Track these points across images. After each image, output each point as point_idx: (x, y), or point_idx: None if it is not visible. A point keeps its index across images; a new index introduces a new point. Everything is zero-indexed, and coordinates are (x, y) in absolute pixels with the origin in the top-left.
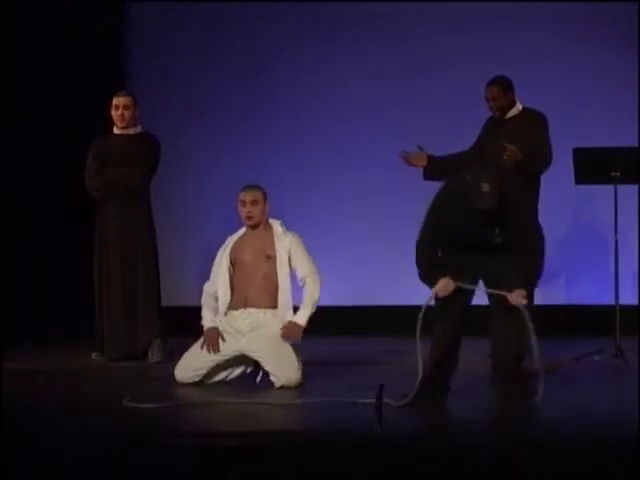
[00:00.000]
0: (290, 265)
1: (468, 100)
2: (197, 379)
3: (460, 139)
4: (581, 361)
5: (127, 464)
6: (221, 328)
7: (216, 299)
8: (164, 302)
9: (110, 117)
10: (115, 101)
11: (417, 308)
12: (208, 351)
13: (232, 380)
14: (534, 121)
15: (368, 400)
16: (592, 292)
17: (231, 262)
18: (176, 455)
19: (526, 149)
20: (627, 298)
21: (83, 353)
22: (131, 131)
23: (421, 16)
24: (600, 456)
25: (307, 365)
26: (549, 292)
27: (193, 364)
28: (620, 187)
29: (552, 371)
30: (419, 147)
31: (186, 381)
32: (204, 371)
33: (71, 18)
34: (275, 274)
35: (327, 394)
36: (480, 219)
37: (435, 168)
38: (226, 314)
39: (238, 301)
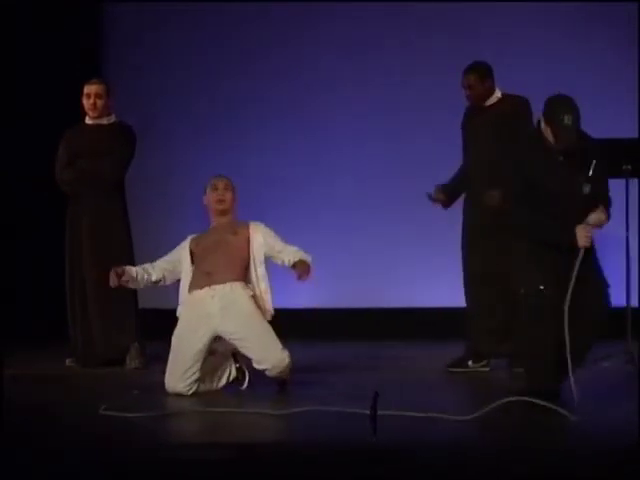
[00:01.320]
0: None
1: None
2: (193, 386)
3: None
4: (590, 367)
5: (102, 477)
6: (187, 311)
7: (153, 267)
8: (140, 304)
9: (82, 106)
10: (86, 89)
11: (404, 311)
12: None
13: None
14: (515, 107)
15: (362, 410)
16: None
17: (191, 250)
18: (156, 467)
19: (505, 140)
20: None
21: (56, 359)
22: (104, 121)
23: (421, 15)
24: (613, 469)
25: (293, 372)
26: None
27: (179, 369)
28: (632, 181)
29: None
30: (429, 196)
31: (180, 391)
32: (195, 376)
33: (48, 12)
34: (243, 247)
35: (318, 402)
36: (564, 165)
37: (451, 194)
38: (190, 293)
39: (201, 278)
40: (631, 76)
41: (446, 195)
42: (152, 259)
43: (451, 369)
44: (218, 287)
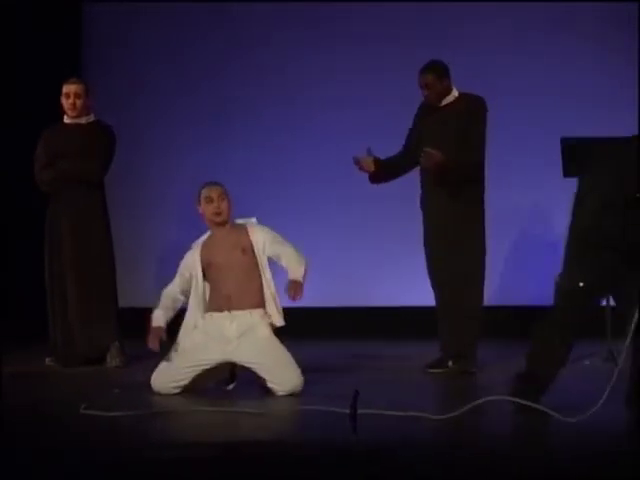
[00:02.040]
0: (268, 254)
1: None
2: (177, 391)
3: None
4: (570, 365)
5: (84, 476)
6: (203, 327)
7: (174, 301)
8: (120, 303)
9: (61, 106)
10: (65, 89)
11: (388, 310)
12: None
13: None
14: (470, 106)
15: (342, 409)
16: None
17: (202, 266)
18: (138, 467)
19: (460, 138)
20: None
21: (36, 358)
22: (83, 120)
23: (410, 12)
24: (598, 466)
25: None
26: (536, 293)
27: (173, 374)
28: None
29: None
30: (368, 151)
31: (164, 392)
32: (186, 382)
33: (27, 11)
34: (255, 268)
35: (300, 402)
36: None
37: (381, 171)
38: (207, 312)
39: (220, 301)
40: (631, 76)
41: (376, 166)
42: (132, 258)
43: (431, 370)
44: (238, 313)
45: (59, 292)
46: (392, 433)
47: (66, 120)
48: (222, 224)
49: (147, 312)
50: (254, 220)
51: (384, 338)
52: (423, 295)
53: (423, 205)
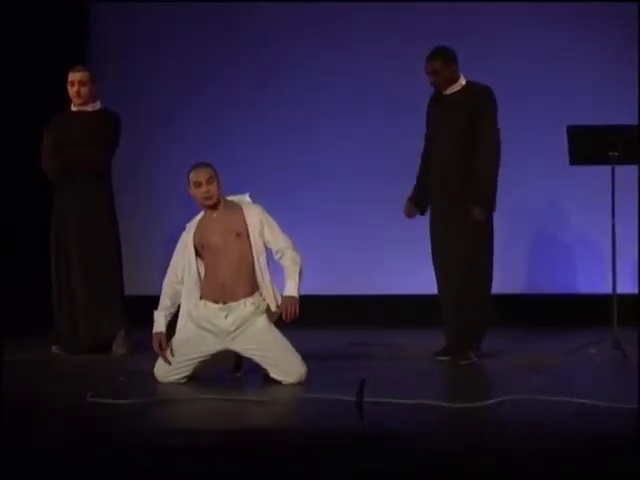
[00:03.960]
0: (263, 239)
1: None
2: (182, 381)
3: None
4: (576, 354)
5: (91, 464)
6: (196, 319)
7: (175, 295)
8: (126, 292)
9: (67, 94)
10: (71, 77)
11: (393, 298)
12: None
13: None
14: (478, 95)
15: (348, 397)
16: (588, 280)
17: (196, 248)
18: (142, 454)
19: (470, 131)
20: (625, 287)
21: (42, 346)
22: (89, 108)
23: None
24: (599, 455)
25: None
26: (541, 280)
27: (172, 367)
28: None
29: (544, 365)
30: (408, 205)
31: (169, 381)
32: (186, 373)
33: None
34: (249, 253)
35: (304, 390)
36: None
37: (421, 202)
38: (200, 299)
39: (215, 288)
40: (631, 75)
41: (417, 205)
42: (138, 247)
43: (439, 358)
44: (232, 305)
45: (65, 281)
46: (397, 421)
47: (72, 108)
48: (214, 207)
49: (153, 301)
50: (247, 198)
51: (387, 326)
52: (423, 283)
53: (431, 188)
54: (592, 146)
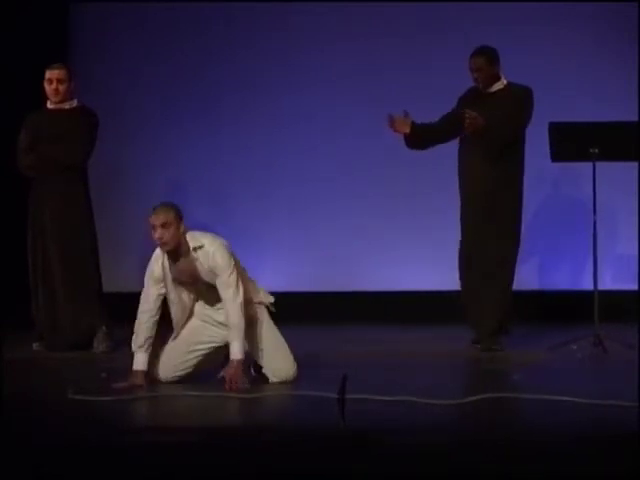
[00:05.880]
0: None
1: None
2: (183, 377)
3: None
4: (557, 351)
5: (72, 461)
6: (199, 317)
7: (152, 327)
8: (108, 288)
9: (44, 91)
10: (48, 74)
11: (390, 294)
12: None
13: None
14: (519, 96)
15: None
16: (569, 277)
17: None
18: (124, 451)
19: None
20: (606, 283)
21: (23, 343)
22: (66, 105)
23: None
24: (581, 452)
25: None
26: (522, 277)
27: (177, 363)
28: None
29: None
30: (405, 112)
31: (170, 380)
32: (190, 370)
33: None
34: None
35: (291, 387)
36: None
37: (417, 135)
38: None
39: (204, 302)
40: (631, 75)
41: (412, 129)
42: (116, 243)
43: (475, 345)
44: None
45: (43, 278)
46: (380, 418)
47: (49, 105)
48: (172, 251)
49: (134, 298)
50: (208, 240)
51: (372, 323)
52: (407, 280)
53: (461, 174)
54: (573, 143)
